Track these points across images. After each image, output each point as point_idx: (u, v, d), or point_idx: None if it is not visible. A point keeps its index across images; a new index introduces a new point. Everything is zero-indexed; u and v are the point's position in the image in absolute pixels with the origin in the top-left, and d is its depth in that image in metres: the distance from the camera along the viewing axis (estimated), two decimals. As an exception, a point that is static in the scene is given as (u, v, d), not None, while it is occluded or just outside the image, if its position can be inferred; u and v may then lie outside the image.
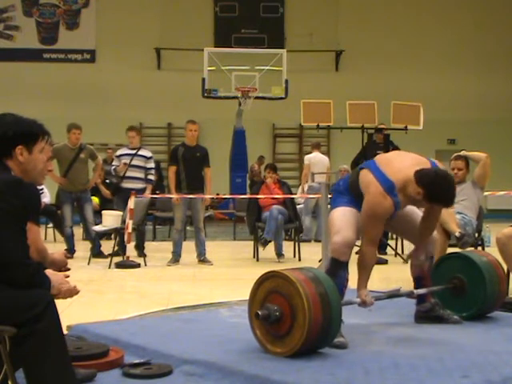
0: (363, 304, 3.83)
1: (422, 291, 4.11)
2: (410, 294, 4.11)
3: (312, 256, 7.69)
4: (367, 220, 3.77)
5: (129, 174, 8.49)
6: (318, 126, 12.93)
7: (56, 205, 10.02)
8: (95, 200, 10.13)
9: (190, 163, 8.05)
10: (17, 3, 18.22)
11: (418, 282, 4.17)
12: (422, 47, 17.94)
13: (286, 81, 13.63)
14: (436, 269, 4.30)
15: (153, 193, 9.26)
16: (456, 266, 4.34)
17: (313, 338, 3.28)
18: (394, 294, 4.14)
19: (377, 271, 7.04)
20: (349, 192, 3.97)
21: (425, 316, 4.16)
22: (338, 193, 4.06)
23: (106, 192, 9.33)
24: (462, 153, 6.13)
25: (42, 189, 9.97)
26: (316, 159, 11.35)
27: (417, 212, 4.09)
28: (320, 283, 3.36)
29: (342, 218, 3.88)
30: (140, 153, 8.59)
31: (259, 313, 3.34)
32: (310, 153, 11.55)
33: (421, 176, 3.68)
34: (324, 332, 3.32)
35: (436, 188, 3.65)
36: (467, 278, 4.24)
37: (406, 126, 8.52)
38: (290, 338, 3.31)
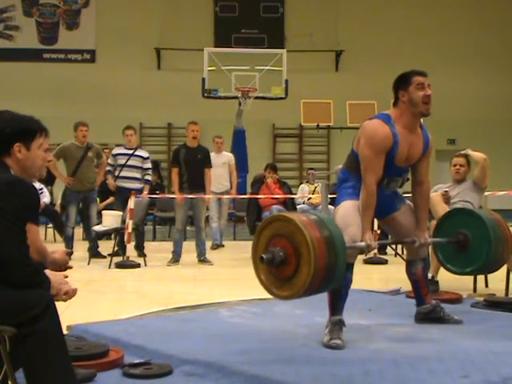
0: (368, 247, 3.75)
1: (430, 240, 4.07)
2: (413, 242, 4.02)
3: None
4: (367, 151, 3.73)
5: (125, 173, 8.48)
6: (317, 125, 12.95)
7: (62, 204, 10.02)
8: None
9: (191, 165, 8.05)
10: (17, 3, 18.24)
11: (415, 285, 4.18)
12: (422, 47, 17.95)
13: (286, 81, 13.64)
14: (441, 223, 4.27)
15: (152, 193, 9.27)
16: (461, 221, 4.24)
17: (320, 275, 3.16)
18: (400, 241, 4.07)
19: (376, 271, 7.03)
20: (349, 173, 3.93)
21: (425, 317, 4.15)
22: (341, 181, 3.99)
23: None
24: (466, 151, 6.14)
25: (41, 189, 9.97)
26: None
27: (413, 219, 4.06)
28: (320, 221, 3.26)
29: (346, 213, 3.79)
30: (137, 153, 8.58)
31: (264, 256, 3.22)
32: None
33: (392, 88, 3.91)
34: (331, 268, 3.19)
35: (403, 73, 3.90)
36: (472, 234, 4.14)
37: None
38: (298, 276, 3.18)
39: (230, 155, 10.18)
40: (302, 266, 3.17)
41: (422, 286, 4.16)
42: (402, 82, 3.87)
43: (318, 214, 3.44)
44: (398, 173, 3.95)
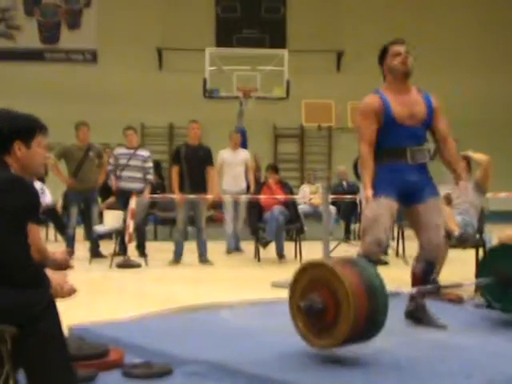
0: (367, 199, 3.89)
1: (469, 283, 4.11)
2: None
3: (313, 256, 7.66)
4: (357, 118, 4.01)
5: (127, 173, 8.46)
6: (319, 126, 12.91)
7: (63, 205, 10.02)
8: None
9: (192, 163, 8.05)
10: (18, 3, 18.23)
11: (411, 278, 4.17)
12: (424, 47, 17.87)
13: (288, 81, 13.61)
14: (483, 263, 4.20)
15: (153, 193, 9.25)
16: (504, 258, 4.13)
17: (359, 331, 3.14)
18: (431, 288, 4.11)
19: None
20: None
21: (410, 315, 4.13)
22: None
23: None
24: (467, 153, 6.12)
25: (42, 189, 9.96)
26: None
27: (435, 220, 4.03)
28: (363, 271, 3.25)
29: (371, 213, 3.89)
30: (138, 153, 8.57)
31: (301, 304, 3.22)
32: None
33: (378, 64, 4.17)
34: (371, 321, 3.18)
35: (383, 48, 4.18)
36: None
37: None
38: (336, 329, 3.15)
39: (247, 152, 9.74)
40: (340, 319, 3.13)
41: (415, 284, 4.13)
42: (382, 55, 4.13)
43: (358, 260, 3.41)
44: (412, 136, 3.97)
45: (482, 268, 4.19)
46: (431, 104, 4.06)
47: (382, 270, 4.10)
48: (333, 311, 3.16)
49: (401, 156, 3.94)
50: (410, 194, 3.96)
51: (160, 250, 9.18)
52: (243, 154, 9.55)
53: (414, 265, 4.17)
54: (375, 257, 3.91)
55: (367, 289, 3.17)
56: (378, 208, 3.88)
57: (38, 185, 9.07)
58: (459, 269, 6.20)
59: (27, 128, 2.61)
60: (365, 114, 3.97)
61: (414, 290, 4.05)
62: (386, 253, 8.73)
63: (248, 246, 9.17)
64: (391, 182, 3.93)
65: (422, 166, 4.04)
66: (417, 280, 4.13)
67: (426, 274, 4.13)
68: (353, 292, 3.10)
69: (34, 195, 2.51)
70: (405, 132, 3.93)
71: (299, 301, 3.27)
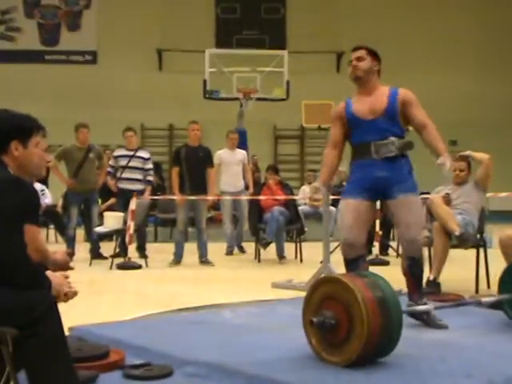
0: (312, 196, 4.38)
1: (488, 300, 4.04)
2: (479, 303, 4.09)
3: (313, 257, 7.68)
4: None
5: (127, 175, 8.47)
6: (319, 127, 12.89)
7: (64, 206, 10.03)
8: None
9: (192, 164, 8.05)
10: (18, 5, 18.26)
11: (405, 279, 4.19)
12: (423, 48, 17.94)
13: (288, 82, 13.61)
14: (504, 278, 4.11)
15: (154, 194, 9.25)
16: None
17: (372, 347, 3.14)
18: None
19: (378, 272, 7.03)
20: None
21: (411, 315, 4.11)
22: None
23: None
24: (467, 152, 6.10)
25: (42, 190, 9.97)
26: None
27: (404, 217, 4.05)
28: (378, 288, 3.23)
29: (340, 214, 4.19)
30: (138, 154, 8.58)
31: (314, 320, 3.20)
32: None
33: None
34: (384, 338, 3.17)
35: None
36: None
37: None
38: (348, 346, 3.15)
39: (244, 152, 9.71)
40: (353, 337, 3.12)
41: (407, 282, 4.17)
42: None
43: (375, 277, 3.39)
44: (375, 130, 4.08)
45: (503, 284, 4.13)
46: (395, 96, 4.14)
47: (382, 271, 4.12)
48: (345, 329, 3.15)
49: (366, 151, 4.07)
50: (381, 190, 4.05)
51: (160, 251, 9.18)
52: (240, 154, 9.52)
53: (402, 264, 4.20)
54: (348, 256, 4.06)
55: (380, 307, 3.15)
56: (343, 210, 4.13)
57: (38, 186, 9.08)
58: (459, 269, 6.21)
59: (24, 127, 2.61)
60: (332, 120, 4.32)
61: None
62: (386, 253, 8.77)
63: (248, 247, 9.17)
64: (360, 180, 4.10)
65: (393, 162, 4.05)
66: (406, 277, 4.17)
67: (410, 268, 4.13)
68: (366, 307, 3.08)
69: (33, 195, 2.51)
70: (367, 126, 4.07)
71: (312, 316, 3.25)
